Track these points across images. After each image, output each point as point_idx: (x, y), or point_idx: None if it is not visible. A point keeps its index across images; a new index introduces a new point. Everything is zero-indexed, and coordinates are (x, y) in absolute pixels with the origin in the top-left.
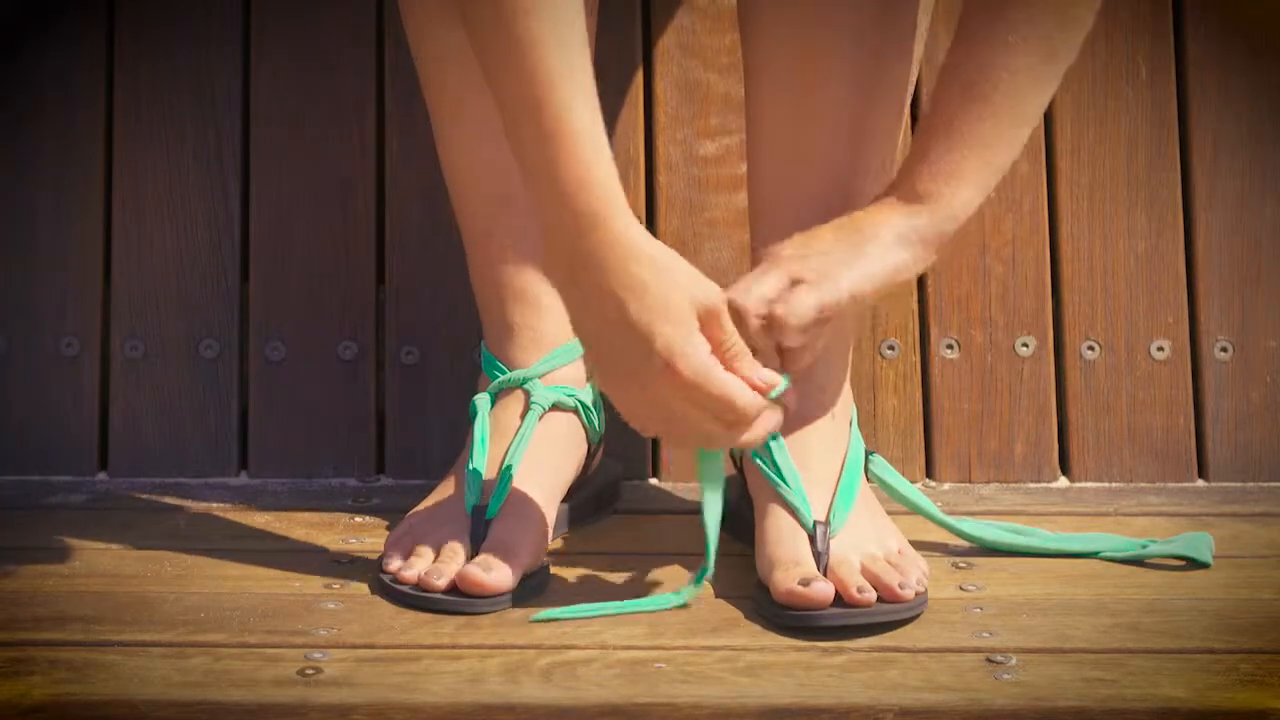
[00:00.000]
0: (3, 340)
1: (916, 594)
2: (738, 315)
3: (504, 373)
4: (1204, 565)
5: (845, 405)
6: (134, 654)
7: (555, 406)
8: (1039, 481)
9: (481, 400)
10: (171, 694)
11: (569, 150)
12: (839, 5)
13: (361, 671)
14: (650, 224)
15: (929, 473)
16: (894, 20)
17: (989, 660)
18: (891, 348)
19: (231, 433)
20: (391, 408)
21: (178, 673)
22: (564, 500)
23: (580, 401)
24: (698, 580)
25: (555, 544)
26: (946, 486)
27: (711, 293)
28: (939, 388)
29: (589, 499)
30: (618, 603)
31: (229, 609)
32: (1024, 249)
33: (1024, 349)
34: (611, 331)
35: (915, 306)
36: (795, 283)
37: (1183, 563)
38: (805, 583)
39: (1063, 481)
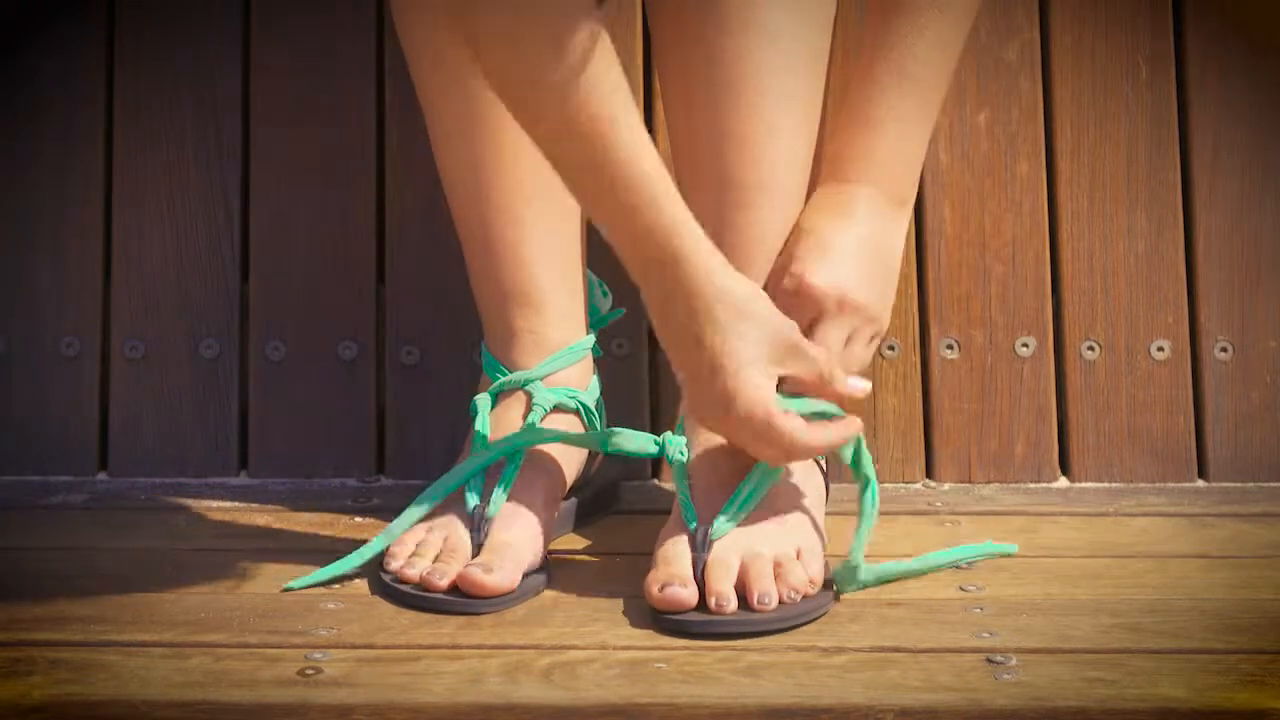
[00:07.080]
0: (3, 340)
1: (798, 598)
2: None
3: (505, 374)
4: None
5: None
6: (134, 654)
7: (557, 408)
8: (1039, 482)
9: (482, 400)
10: (171, 694)
11: (634, 199)
12: None
13: (361, 671)
14: None
15: (929, 473)
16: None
17: (989, 660)
18: (891, 347)
19: (231, 433)
20: (391, 408)
21: (178, 673)
22: (564, 499)
23: (582, 403)
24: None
25: (555, 544)
26: (946, 487)
27: (787, 329)
28: (939, 388)
29: (589, 499)
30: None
31: (229, 609)
32: (1024, 249)
33: (1024, 349)
34: (694, 364)
35: (915, 306)
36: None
37: (1181, 563)
38: (662, 587)
39: (1063, 482)
